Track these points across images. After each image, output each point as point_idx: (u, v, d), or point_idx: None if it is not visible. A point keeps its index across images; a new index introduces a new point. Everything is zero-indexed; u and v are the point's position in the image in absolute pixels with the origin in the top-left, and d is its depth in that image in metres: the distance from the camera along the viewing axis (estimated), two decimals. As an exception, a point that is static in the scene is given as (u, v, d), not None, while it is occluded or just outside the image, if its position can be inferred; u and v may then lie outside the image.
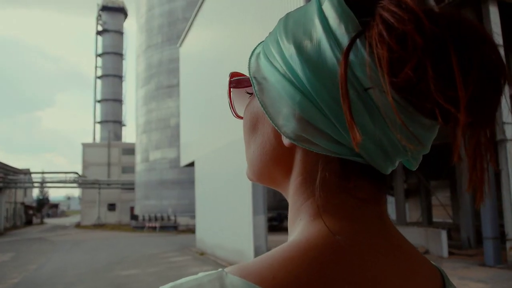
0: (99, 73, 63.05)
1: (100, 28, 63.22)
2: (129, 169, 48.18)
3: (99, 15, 63.59)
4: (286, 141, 0.47)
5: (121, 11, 64.09)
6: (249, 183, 11.45)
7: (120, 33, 63.62)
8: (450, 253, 12.36)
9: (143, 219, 34.79)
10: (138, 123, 37.95)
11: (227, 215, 14.29)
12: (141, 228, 33.81)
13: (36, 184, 46.58)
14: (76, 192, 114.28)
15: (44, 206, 66.81)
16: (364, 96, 0.40)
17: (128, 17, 66.37)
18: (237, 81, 0.55)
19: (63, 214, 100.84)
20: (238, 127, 12.84)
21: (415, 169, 0.49)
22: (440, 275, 0.49)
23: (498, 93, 0.38)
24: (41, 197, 65.03)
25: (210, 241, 16.07)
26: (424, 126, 0.42)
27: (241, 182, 12.38)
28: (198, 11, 19.63)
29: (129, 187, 43.14)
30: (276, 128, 0.46)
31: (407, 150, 0.43)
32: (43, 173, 45.34)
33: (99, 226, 41.92)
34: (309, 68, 0.42)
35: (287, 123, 0.44)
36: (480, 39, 0.38)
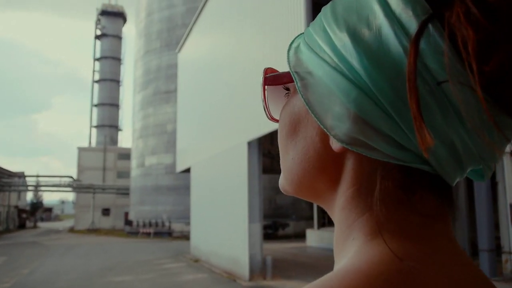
0: (97, 77, 63.01)
1: (99, 32, 63.27)
2: (124, 174, 48.02)
3: (98, 20, 63.68)
4: (336, 146, 0.39)
5: (120, 16, 64.23)
6: (245, 190, 11.39)
7: (118, 37, 63.68)
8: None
9: (138, 225, 34.60)
10: (135, 128, 37.87)
11: (223, 222, 14.21)
12: (135, 233, 33.62)
13: (30, 188, 46.39)
14: (70, 196, 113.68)
15: (37, 210, 66.41)
16: (437, 91, 0.33)
17: (127, 22, 66.49)
18: (274, 78, 0.47)
19: (57, 218, 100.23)
20: (234, 134, 12.81)
21: (486, 181, 0.42)
22: None
23: None
24: (35, 201, 64.66)
25: (205, 248, 15.96)
26: (509, 129, 0.34)
27: (237, 189, 12.33)
28: (197, 17, 19.67)
29: (124, 192, 42.96)
30: (324, 130, 0.39)
31: (484, 157, 0.37)
32: (37, 176, 45.21)
33: (93, 231, 41.66)
34: (368, 59, 0.35)
35: (340, 123, 0.37)
36: None
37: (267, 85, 0.47)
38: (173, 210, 32.76)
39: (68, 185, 43.77)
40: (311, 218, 24.73)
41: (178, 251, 20.11)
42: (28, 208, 61.11)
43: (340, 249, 0.41)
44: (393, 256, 0.34)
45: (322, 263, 14.68)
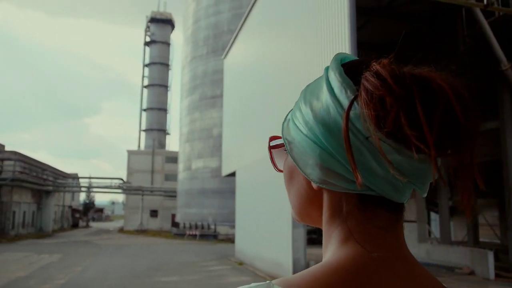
0: (146, 82, 64.92)
1: (148, 39, 65.19)
2: (171, 177, 49.10)
3: (148, 27, 65.62)
4: (314, 186, 0.57)
5: (169, 23, 65.88)
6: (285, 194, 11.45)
7: (167, 44, 65.36)
8: (497, 275, 11.86)
9: (184, 227, 35.32)
10: (182, 132, 38.70)
11: (267, 226, 14.32)
12: (181, 235, 34.32)
13: (83, 189, 48.23)
14: (120, 197, 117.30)
15: (90, 210, 68.92)
16: (366, 143, 0.50)
17: (175, 28, 68.10)
18: (275, 144, 0.67)
19: (108, 218, 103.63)
20: (279, 139, 12.89)
21: (424, 196, 0.56)
22: None
23: (465, 133, 0.48)
24: (87, 201, 67.12)
25: (249, 251, 16.12)
26: (417, 160, 0.50)
27: (280, 194, 12.41)
28: (243, 23, 19.95)
29: (171, 194, 43.93)
30: (305, 176, 0.57)
31: (412, 181, 0.52)
32: (90, 178, 46.88)
33: (141, 231, 42.85)
34: (323, 127, 0.53)
35: (313, 171, 0.55)
36: (442, 91, 0.48)
37: (272, 149, 0.68)
38: (218, 213, 33.19)
39: (118, 187, 45.21)
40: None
41: (223, 254, 20.38)
42: (81, 208, 63.62)
43: (324, 250, 0.58)
44: (353, 257, 0.52)
45: (367, 270, 14.48)
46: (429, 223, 21.17)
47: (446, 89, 0.49)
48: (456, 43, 14.26)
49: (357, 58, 0.58)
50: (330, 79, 0.55)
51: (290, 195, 0.63)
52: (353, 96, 0.51)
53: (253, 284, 0.51)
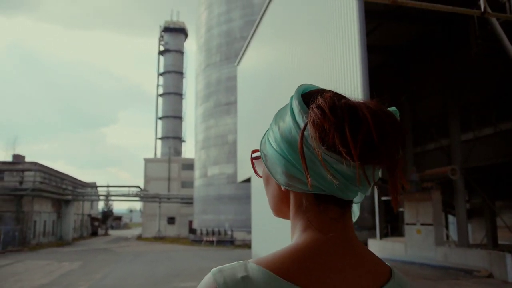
0: (161, 91, 65.63)
1: (162, 48, 66.01)
2: (188, 183, 49.47)
3: (161, 36, 66.46)
4: (283, 188, 0.75)
5: (182, 32, 66.62)
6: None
7: (180, 52, 66.06)
8: (516, 278, 11.73)
9: (201, 233, 35.53)
10: (197, 139, 39.03)
11: (283, 231, 14.38)
12: (199, 241, 34.53)
13: (101, 197, 48.80)
14: (138, 205, 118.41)
15: (108, 218, 69.70)
16: (317, 155, 0.66)
17: (188, 37, 68.78)
18: (256, 156, 0.86)
19: (126, 226, 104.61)
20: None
21: (365, 197, 0.75)
22: (389, 270, 0.74)
23: (383, 148, 0.64)
24: (106, 210, 67.92)
25: (265, 257, 16.19)
26: (351, 167, 0.66)
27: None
28: (255, 30, 20.15)
29: (188, 201, 44.24)
30: (276, 181, 0.75)
31: (353, 184, 0.69)
32: (108, 186, 47.42)
33: (159, 238, 43.20)
34: (286, 143, 0.70)
35: (281, 177, 0.73)
36: (365, 118, 0.64)
37: (253, 160, 0.87)
38: (234, 219, 33.33)
39: (136, 195, 45.68)
40: (374, 227, 24.27)
41: (240, 259, 20.45)
42: (99, 216, 64.39)
43: (292, 237, 0.75)
44: (310, 240, 0.69)
45: (384, 273, 14.42)
46: (447, 227, 20.98)
47: (368, 117, 0.64)
48: (469, 45, 14.21)
49: (315, 88, 0.76)
50: (292, 106, 0.72)
51: (268, 196, 0.82)
52: (307, 120, 0.67)
53: (235, 263, 0.68)
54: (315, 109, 0.66)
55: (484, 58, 14.34)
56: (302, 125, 0.68)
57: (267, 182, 0.81)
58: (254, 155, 0.87)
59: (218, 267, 0.68)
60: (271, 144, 0.75)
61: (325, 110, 0.65)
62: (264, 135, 0.81)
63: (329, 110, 0.65)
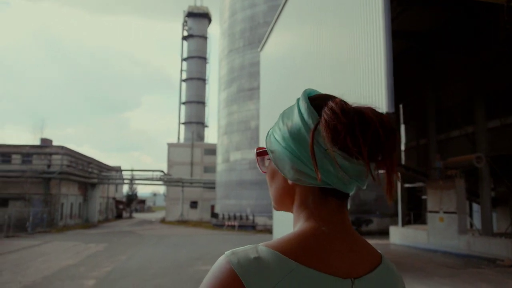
0: (184, 76, 65.94)
1: (185, 33, 66.08)
2: (210, 168, 49.87)
3: (185, 21, 66.46)
4: (290, 182, 0.82)
5: (206, 17, 66.48)
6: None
7: (204, 37, 66.04)
8: (540, 268, 11.56)
9: (223, 218, 35.91)
10: (220, 125, 39.21)
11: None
12: (220, 226, 34.93)
13: (126, 181, 49.70)
14: (161, 189, 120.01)
15: (132, 202, 70.83)
16: (325, 153, 0.74)
17: (212, 22, 68.62)
18: (260, 153, 0.92)
19: (150, 209, 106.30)
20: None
21: (364, 188, 0.82)
22: (380, 256, 0.84)
23: (386, 148, 0.73)
24: (130, 193, 69.06)
25: (286, 242, 16.31)
26: (357, 165, 0.75)
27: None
28: (278, 15, 20.03)
29: (210, 186, 44.66)
30: (284, 176, 0.82)
31: (355, 179, 0.78)
32: (132, 170, 48.21)
33: (182, 222, 43.86)
34: (295, 141, 0.78)
35: (289, 172, 0.80)
36: (372, 121, 0.73)
37: (258, 156, 0.93)
38: (256, 204, 33.55)
39: (159, 179, 46.29)
40: (396, 215, 24.11)
41: (261, 244, 20.65)
42: (124, 199, 65.60)
43: (295, 224, 0.83)
44: (312, 228, 0.77)
45: (404, 260, 14.40)
46: (471, 215, 20.70)
47: (374, 119, 0.73)
48: (495, 30, 13.84)
49: (319, 93, 0.85)
50: (300, 108, 0.80)
51: (271, 190, 0.89)
52: (316, 121, 0.75)
53: (247, 246, 0.75)
54: (328, 112, 0.74)
55: (511, 44, 13.95)
56: (311, 125, 0.76)
57: (272, 177, 0.87)
58: (259, 151, 0.93)
59: (231, 250, 0.74)
60: (278, 142, 0.82)
61: (338, 112, 0.73)
62: (268, 133, 0.88)
63: (341, 113, 0.73)
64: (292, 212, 0.87)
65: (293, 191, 0.83)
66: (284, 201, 0.87)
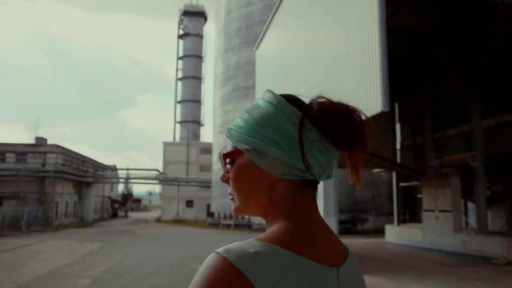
0: (180, 75, 65.82)
1: (181, 32, 65.97)
2: (206, 167, 49.83)
3: (181, 20, 66.36)
4: (275, 178, 0.81)
5: (201, 15, 66.39)
6: (320, 184, 11.54)
7: (200, 36, 65.96)
8: (535, 266, 11.61)
9: (219, 217, 35.88)
10: (216, 124, 39.16)
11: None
12: (216, 225, 34.91)
13: (121, 180, 49.59)
14: (157, 188, 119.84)
15: (128, 201, 70.81)
16: (311, 144, 0.78)
17: (208, 21, 68.55)
18: (227, 155, 0.87)
19: (145, 208, 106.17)
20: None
21: (330, 178, 0.87)
22: (346, 249, 0.87)
23: (360, 136, 0.80)
24: (125, 192, 68.98)
25: (282, 240, 16.30)
26: (334, 154, 0.82)
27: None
28: (274, 14, 20.00)
29: (206, 185, 44.64)
30: (268, 172, 0.81)
31: (329, 168, 0.83)
32: (127, 169, 48.13)
33: (178, 221, 43.79)
34: (282, 136, 0.79)
35: (276, 167, 0.80)
36: (343, 113, 0.79)
37: (224, 159, 0.88)
38: (252, 203, 33.46)
39: (155, 178, 46.24)
40: (391, 213, 24.18)
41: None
42: (119, 198, 65.48)
43: (275, 221, 0.82)
44: (301, 220, 0.79)
45: (400, 259, 14.42)
46: (466, 214, 20.76)
47: (357, 114, 0.81)
48: (492, 28, 13.87)
49: (288, 94, 0.88)
50: (278, 107, 0.82)
51: (239, 193, 0.86)
52: (300, 117, 0.79)
53: (237, 243, 0.73)
54: (317, 108, 0.80)
55: (507, 42, 14.00)
56: (296, 121, 0.79)
57: (240, 178, 0.85)
58: (225, 151, 0.88)
59: (223, 247, 0.71)
60: (251, 138, 0.81)
61: (327, 107, 0.80)
62: (231, 133, 0.86)
63: (329, 108, 0.80)
64: (257, 214, 0.86)
65: (269, 188, 0.82)
66: (258, 201, 0.84)
